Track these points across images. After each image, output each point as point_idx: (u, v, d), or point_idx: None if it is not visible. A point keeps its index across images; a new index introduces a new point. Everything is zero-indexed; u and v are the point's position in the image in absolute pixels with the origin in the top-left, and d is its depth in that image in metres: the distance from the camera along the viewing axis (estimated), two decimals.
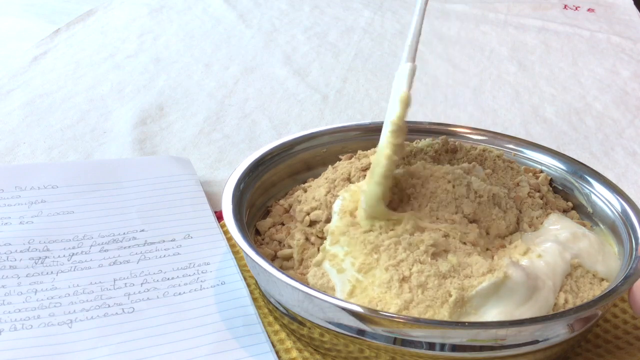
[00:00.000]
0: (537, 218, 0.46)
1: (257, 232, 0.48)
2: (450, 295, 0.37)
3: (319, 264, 0.42)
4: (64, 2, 1.04)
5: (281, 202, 0.49)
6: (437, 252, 0.40)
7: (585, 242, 0.44)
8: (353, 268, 0.40)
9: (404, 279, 0.38)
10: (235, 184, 0.46)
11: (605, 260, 0.43)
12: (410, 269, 0.39)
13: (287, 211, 0.48)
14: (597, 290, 0.41)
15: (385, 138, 0.42)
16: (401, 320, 0.36)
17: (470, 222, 0.43)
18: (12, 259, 0.46)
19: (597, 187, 0.48)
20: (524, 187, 0.48)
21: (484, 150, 0.50)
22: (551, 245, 0.42)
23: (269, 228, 0.47)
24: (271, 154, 0.50)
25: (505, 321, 0.37)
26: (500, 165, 0.50)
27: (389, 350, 0.38)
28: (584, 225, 0.47)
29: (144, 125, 0.68)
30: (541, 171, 0.51)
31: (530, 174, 0.51)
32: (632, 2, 1.10)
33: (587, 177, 0.49)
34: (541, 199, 0.48)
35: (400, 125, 0.42)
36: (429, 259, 0.39)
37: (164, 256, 0.48)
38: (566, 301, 0.40)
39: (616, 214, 0.46)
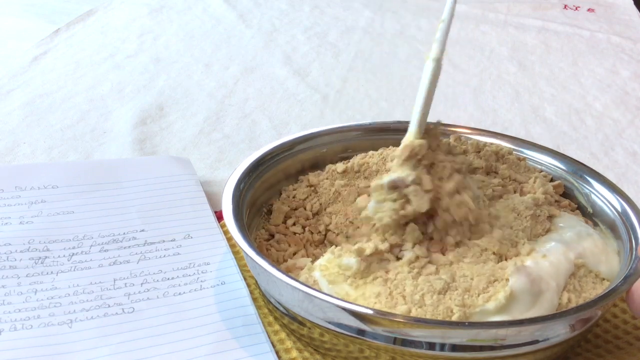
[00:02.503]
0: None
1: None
2: (453, 313, 0.37)
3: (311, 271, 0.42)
4: (64, 2, 1.04)
5: (281, 199, 0.49)
6: (426, 263, 0.40)
7: (589, 241, 0.43)
8: (345, 282, 0.40)
9: (392, 293, 0.38)
10: (235, 184, 0.46)
11: (608, 260, 0.43)
12: (397, 281, 0.39)
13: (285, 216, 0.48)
14: (600, 290, 0.41)
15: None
16: (401, 320, 0.36)
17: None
18: (12, 259, 0.46)
19: (597, 187, 0.48)
20: (543, 185, 0.48)
21: (497, 147, 0.51)
22: (555, 244, 0.42)
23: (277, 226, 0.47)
24: (271, 154, 0.50)
25: (505, 321, 0.37)
26: (513, 161, 0.50)
27: (389, 350, 0.38)
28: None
29: (144, 125, 0.68)
30: (541, 170, 0.51)
31: (537, 173, 0.51)
32: (632, 2, 1.10)
33: (587, 177, 0.49)
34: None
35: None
36: (412, 273, 0.39)
37: (164, 256, 0.48)
38: (569, 300, 0.40)
39: (616, 214, 0.46)
